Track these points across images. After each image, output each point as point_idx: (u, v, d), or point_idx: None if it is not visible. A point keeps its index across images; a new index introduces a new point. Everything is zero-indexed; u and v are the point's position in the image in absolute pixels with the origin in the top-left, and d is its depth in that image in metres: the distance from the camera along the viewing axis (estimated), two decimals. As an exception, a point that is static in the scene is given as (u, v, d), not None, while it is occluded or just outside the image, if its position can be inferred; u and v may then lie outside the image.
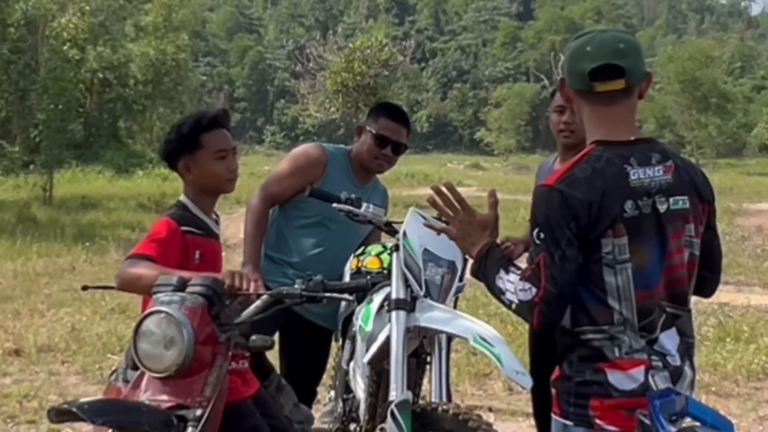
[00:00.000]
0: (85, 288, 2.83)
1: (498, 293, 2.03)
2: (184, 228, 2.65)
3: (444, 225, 2.44)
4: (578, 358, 2.01)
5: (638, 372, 1.98)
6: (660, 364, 2.01)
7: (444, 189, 2.14)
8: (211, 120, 2.74)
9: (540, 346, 2.53)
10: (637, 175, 2.00)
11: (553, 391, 2.08)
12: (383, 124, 3.41)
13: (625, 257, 1.97)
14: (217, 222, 2.86)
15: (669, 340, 2.04)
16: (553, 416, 2.09)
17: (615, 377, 1.97)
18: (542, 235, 1.95)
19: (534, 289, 1.94)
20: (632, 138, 2.05)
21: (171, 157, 2.75)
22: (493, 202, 2.17)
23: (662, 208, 2.01)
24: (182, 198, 2.78)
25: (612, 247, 1.96)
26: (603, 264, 1.96)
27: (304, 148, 3.50)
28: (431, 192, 2.14)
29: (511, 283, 1.99)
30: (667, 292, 2.04)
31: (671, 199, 2.02)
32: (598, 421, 1.98)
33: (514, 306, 1.98)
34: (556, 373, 2.11)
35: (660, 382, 2.00)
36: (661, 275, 2.02)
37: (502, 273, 2.02)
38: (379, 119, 3.43)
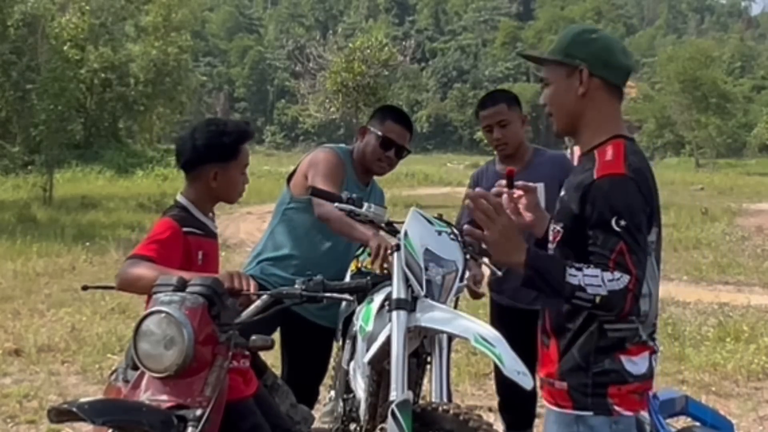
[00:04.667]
0: (85, 288, 2.83)
1: (572, 291, 1.95)
2: (185, 229, 2.66)
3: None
4: (596, 350, 2.05)
5: (645, 357, 2.09)
6: (655, 347, 2.14)
7: (480, 198, 2.07)
8: (249, 134, 2.81)
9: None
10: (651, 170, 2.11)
11: (562, 385, 2.10)
12: (389, 127, 3.41)
13: (655, 246, 2.08)
14: (213, 220, 2.87)
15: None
16: (559, 409, 2.11)
17: (630, 363, 2.06)
18: (622, 223, 1.95)
19: (626, 277, 1.93)
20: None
21: (202, 160, 2.71)
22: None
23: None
24: (181, 199, 2.77)
25: (655, 236, 2.06)
26: (648, 254, 2.03)
27: (323, 155, 3.41)
28: (468, 201, 2.08)
29: (592, 276, 1.94)
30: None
31: None
32: (616, 408, 2.05)
33: (598, 299, 1.94)
34: (551, 367, 2.13)
35: (655, 364, 2.14)
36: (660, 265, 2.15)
37: (572, 270, 1.95)
38: (385, 122, 3.43)
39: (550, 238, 2.17)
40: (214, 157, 2.70)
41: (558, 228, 2.13)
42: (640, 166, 2.04)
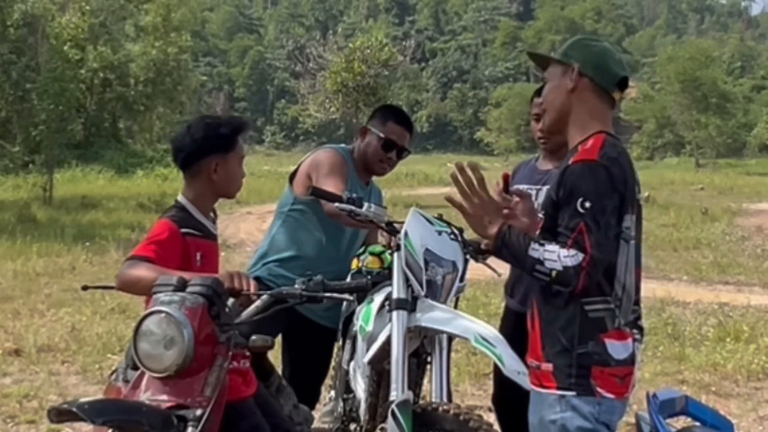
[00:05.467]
0: (85, 288, 2.83)
1: (532, 264, 2.09)
2: (184, 230, 2.65)
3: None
4: (579, 330, 2.15)
5: (628, 343, 2.18)
6: (639, 337, 2.23)
7: (467, 168, 2.19)
8: (246, 125, 2.83)
9: (512, 340, 2.57)
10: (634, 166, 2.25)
11: (548, 366, 2.19)
12: (391, 128, 3.40)
13: (633, 234, 2.18)
14: (214, 222, 2.87)
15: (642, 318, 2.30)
16: (543, 390, 2.20)
17: (612, 347, 2.15)
18: (587, 204, 2.07)
19: (581, 255, 2.06)
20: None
21: (202, 153, 2.72)
22: (499, 192, 2.33)
23: (640, 196, 2.27)
24: (180, 199, 2.77)
25: (630, 223, 2.17)
26: (621, 238, 2.14)
27: (327, 155, 3.39)
28: (454, 168, 2.19)
29: (550, 251, 2.08)
30: None
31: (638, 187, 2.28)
32: (599, 389, 2.14)
33: (554, 273, 2.07)
34: (538, 350, 2.22)
35: (638, 353, 2.23)
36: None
37: (535, 245, 2.10)
38: (386, 123, 3.42)
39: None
40: (213, 148, 2.71)
41: (541, 215, 2.27)
42: (615, 157, 2.15)
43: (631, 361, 2.19)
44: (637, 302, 2.24)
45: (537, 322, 2.25)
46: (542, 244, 2.09)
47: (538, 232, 2.26)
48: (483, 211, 2.19)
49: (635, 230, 2.20)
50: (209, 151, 2.71)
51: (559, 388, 2.16)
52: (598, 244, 2.06)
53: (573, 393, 2.14)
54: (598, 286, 2.13)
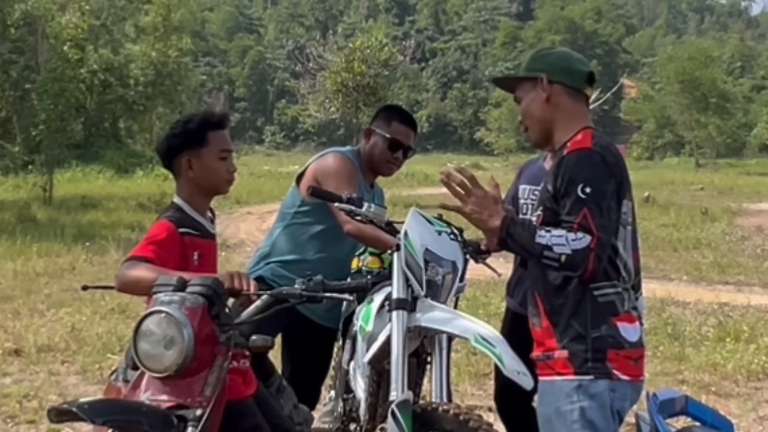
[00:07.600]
0: (85, 288, 2.83)
1: (540, 251, 2.13)
2: (181, 230, 2.65)
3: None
4: (591, 315, 2.18)
5: (637, 326, 2.25)
6: (641, 321, 2.29)
7: (454, 172, 2.27)
8: (219, 119, 2.77)
9: (512, 340, 2.57)
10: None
11: (562, 353, 2.21)
12: (396, 128, 3.41)
13: (630, 219, 2.25)
14: (212, 221, 2.86)
15: (641, 302, 2.35)
16: (559, 378, 2.21)
17: (624, 330, 2.20)
18: (587, 190, 2.13)
19: (588, 237, 2.09)
20: None
21: (173, 151, 2.73)
22: (494, 185, 2.35)
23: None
24: (176, 199, 2.76)
25: (627, 208, 2.23)
26: (620, 223, 2.20)
27: (336, 161, 3.39)
28: (442, 176, 2.26)
29: (558, 236, 2.11)
30: None
31: None
32: (615, 372, 2.18)
33: (564, 258, 2.10)
34: (548, 342, 2.24)
35: (643, 335, 2.29)
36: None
37: (541, 232, 2.13)
38: (391, 123, 3.42)
39: (535, 223, 2.33)
40: (183, 145, 2.71)
41: (539, 212, 2.30)
42: (607, 145, 2.25)
43: (641, 343, 2.24)
44: (635, 287, 2.28)
45: (544, 317, 2.27)
46: (548, 231, 2.13)
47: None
48: (481, 207, 2.23)
49: (631, 216, 2.28)
50: (180, 148, 2.71)
51: (576, 373, 2.18)
52: (603, 226, 2.12)
53: (590, 377, 2.16)
54: (605, 271, 2.17)
